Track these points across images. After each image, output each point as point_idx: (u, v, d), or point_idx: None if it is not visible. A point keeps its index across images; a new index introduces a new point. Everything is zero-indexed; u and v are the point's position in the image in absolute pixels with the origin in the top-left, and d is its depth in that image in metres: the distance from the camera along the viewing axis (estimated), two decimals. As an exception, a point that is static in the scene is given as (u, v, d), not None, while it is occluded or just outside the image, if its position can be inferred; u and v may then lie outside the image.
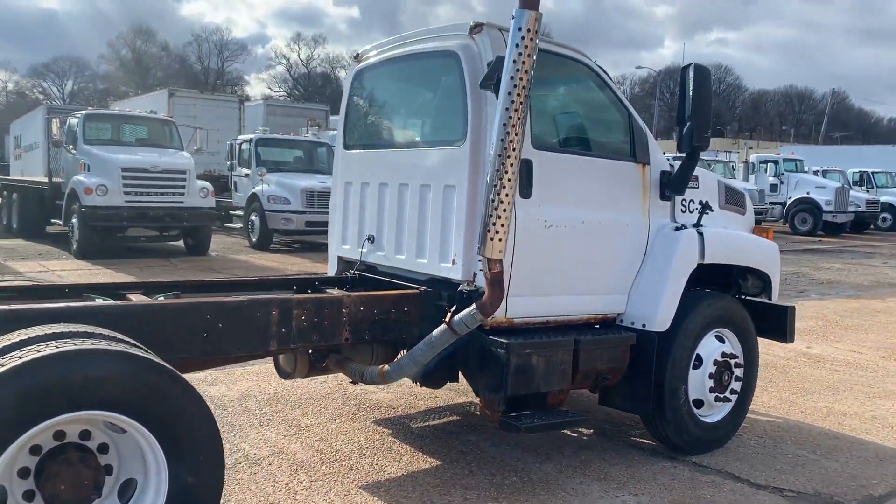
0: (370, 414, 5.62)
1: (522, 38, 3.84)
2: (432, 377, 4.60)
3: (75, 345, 2.83)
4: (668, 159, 5.12)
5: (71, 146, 15.09)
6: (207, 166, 21.24)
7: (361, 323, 4.30)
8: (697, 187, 5.12)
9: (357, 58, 5.41)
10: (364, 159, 5.27)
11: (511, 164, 3.90)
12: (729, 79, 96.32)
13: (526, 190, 4.23)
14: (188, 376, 3.21)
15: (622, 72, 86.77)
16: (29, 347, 2.78)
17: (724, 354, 5.00)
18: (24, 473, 2.83)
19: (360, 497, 4.18)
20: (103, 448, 2.97)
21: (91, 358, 2.79)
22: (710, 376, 4.94)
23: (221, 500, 3.23)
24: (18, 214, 18.23)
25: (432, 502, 4.13)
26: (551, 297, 4.46)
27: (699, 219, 4.98)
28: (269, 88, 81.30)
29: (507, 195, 3.92)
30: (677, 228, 4.85)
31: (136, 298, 4.15)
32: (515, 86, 3.86)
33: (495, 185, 3.90)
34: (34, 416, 2.70)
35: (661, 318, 4.66)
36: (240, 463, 4.59)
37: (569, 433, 5.40)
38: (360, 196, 5.22)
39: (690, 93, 4.39)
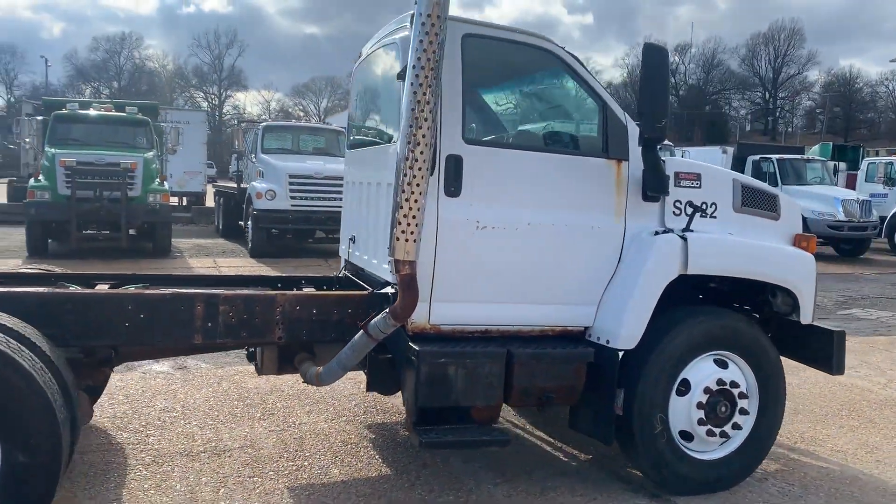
0: (373, 418, 5.55)
1: (423, 24, 3.62)
2: (376, 383, 4.44)
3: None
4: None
5: (252, 155, 16.54)
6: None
7: (297, 322, 4.26)
8: (698, 186, 4.44)
9: (358, 56, 5.39)
10: (353, 158, 5.25)
11: (420, 160, 3.68)
12: None
13: (453, 188, 3.95)
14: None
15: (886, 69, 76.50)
16: None
17: (720, 382, 4.28)
18: None
19: (277, 497, 4.14)
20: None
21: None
22: (700, 406, 4.25)
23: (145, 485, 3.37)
24: (222, 217, 20.32)
25: (342, 511, 4.00)
26: (490, 304, 4.11)
27: (689, 222, 4.32)
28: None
29: (415, 193, 3.70)
30: (657, 233, 4.25)
31: (98, 288, 4.47)
32: (417, 76, 3.65)
33: (401, 183, 3.70)
34: None
35: (625, 334, 4.11)
36: (203, 452, 4.76)
37: (560, 456, 4.94)
38: (348, 195, 5.20)
39: (641, 78, 3.83)
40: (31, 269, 5.29)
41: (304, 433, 5.15)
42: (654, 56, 3.82)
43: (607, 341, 4.15)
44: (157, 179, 15.08)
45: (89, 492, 4.11)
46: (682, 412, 4.25)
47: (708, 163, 4.94)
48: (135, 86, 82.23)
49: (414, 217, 3.76)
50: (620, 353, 4.11)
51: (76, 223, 13.60)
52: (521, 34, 4.20)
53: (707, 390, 4.26)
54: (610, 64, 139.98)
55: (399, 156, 3.70)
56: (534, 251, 4.12)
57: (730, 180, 4.58)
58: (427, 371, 3.85)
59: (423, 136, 3.69)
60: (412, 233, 3.76)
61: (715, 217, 4.47)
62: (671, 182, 4.35)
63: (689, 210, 4.39)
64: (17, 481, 3.15)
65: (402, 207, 3.73)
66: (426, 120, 3.67)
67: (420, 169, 3.73)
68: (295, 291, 4.51)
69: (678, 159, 4.58)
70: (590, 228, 4.21)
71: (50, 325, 3.81)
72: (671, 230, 4.27)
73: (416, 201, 3.74)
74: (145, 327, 4.01)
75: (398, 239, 3.76)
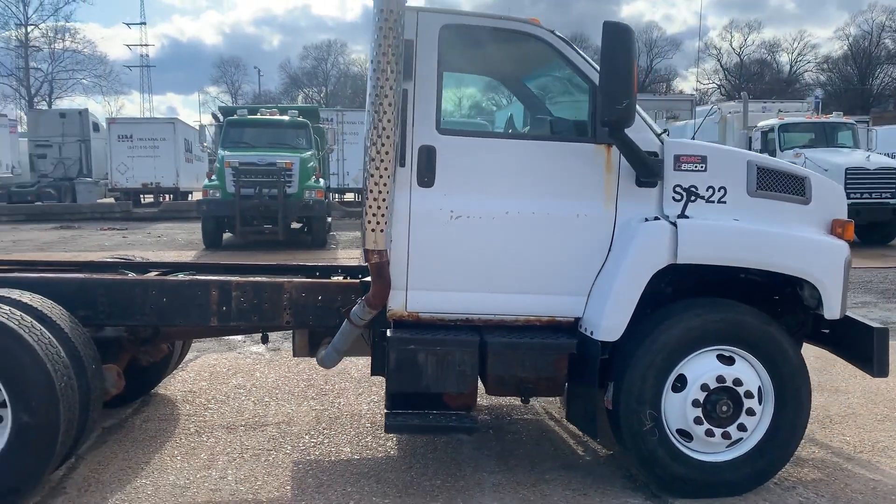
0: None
1: (377, 18, 3.75)
2: (378, 367, 4.59)
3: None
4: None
5: None
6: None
7: (304, 308, 4.54)
8: (704, 170, 4.13)
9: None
10: None
11: (383, 152, 3.83)
12: None
13: (427, 178, 4.02)
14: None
15: None
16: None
17: (720, 379, 3.98)
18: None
19: (280, 469, 4.45)
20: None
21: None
22: (696, 404, 3.98)
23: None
24: None
25: (325, 485, 4.22)
26: (470, 293, 4.12)
27: (683, 208, 4.05)
28: (699, 82, 78.53)
29: (378, 184, 3.86)
30: (647, 220, 4.03)
31: (133, 274, 5.00)
32: (377, 70, 3.79)
33: (367, 174, 3.87)
34: None
35: (606, 325, 3.95)
36: (243, 426, 5.20)
37: (578, 450, 4.83)
38: None
39: (601, 58, 3.65)
40: (111, 257, 6.04)
41: (342, 413, 5.44)
42: (613, 35, 3.63)
43: (591, 332, 4.01)
44: (314, 177, 16.18)
45: (128, 453, 4.67)
46: (678, 410, 4.00)
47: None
48: (341, 90, 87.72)
49: (379, 208, 3.89)
50: (602, 345, 3.96)
51: (240, 218, 14.98)
52: (505, 20, 4.16)
53: (705, 387, 3.98)
54: (828, 36, 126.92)
55: (365, 148, 3.85)
56: (514, 240, 4.08)
57: (743, 162, 4.21)
58: (396, 357, 3.97)
59: (384, 129, 3.81)
60: (378, 223, 3.90)
61: (724, 202, 4.14)
62: (670, 166, 4.10)
63: (704, 195, 4.11)
64: (23, 437, 3.70)
65: (368, 198, 3.89)
66: (387, 112, 3.79)
67: (383, 160, 3.85)
68: (303, 279, 4.78)
69: (681, 141, 4.25)
70: (576, 216, 4.08)
71: (85, 306, 4.40)
72: (662, 217, 4.04)
73: (380, 192, 3.88)
74: (167, 310, 4.49)
75: (367, 229, 3.92)
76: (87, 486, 4.18)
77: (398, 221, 4.01)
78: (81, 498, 4.04)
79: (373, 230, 3.92)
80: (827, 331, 4.65)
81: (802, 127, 18.51)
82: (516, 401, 5.66)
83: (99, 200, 29.61)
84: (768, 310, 4.46)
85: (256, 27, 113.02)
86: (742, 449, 4.09)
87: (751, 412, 4.02)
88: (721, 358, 4.04)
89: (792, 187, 4.26)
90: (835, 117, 19.03)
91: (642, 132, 4.10)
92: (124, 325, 4.62)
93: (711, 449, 4.07)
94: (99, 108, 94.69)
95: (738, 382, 3.99)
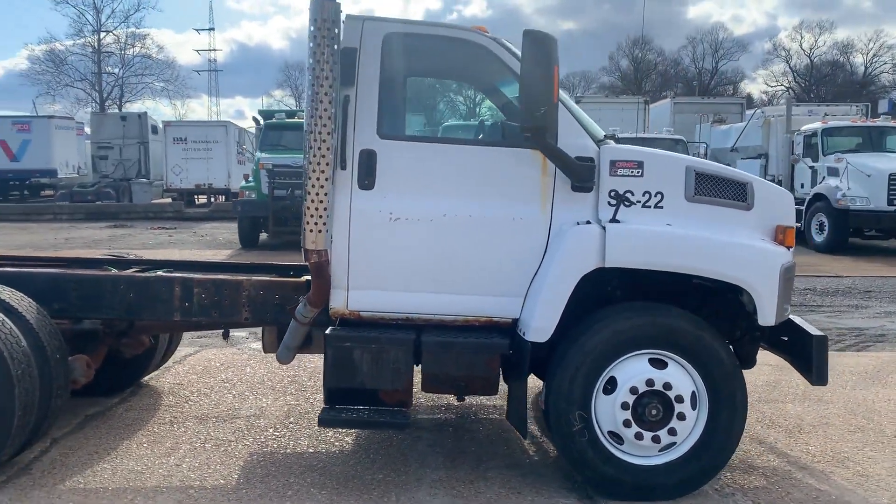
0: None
1: (311, 29, 3.92)
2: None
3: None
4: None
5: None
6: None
7: (262, 306, 4.73)
8: (640, 175, 4.16)
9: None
10: None
11: (318, 156, 4.01)
12: None
13: (367, 181, 4.17)
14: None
15: None
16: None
17: (650, 382, 4.00)
18: None
19: (234, 459, 4.65)
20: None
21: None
22: (624, 406, 4.02)
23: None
24: None
25: (271, 475, 4.40)
26: (409, 293, 4.24)
27: (614, 213, 4.09)
28: (766, 84, 76.28)
29: (315, 186, 4.04)
30: (578, 224, 4.09)
31: (114, 270, 5.27)
32: (311, 77, 3.96)
33: (306, 177, 4.05)
34: None
35: (536, 326, 4.02)
36: (215, 418, 5.43)
37: (531, 450, 4.89)
38: None
39: (521, 67, 3.73)
40: (104, 254, 6.36)
41: (314, 408, 5.62)
42: (532, 44, 3.70)
43: (524, 333, 4.09)
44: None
45: (100, 439, 4.94)
46: (608, 412, 4.04)
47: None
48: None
49: (317, 209, 4.07)
50: (533, 346, 4.04)
51: (273, 219, 15.39)
52: (447, 28, 4.29)
53: (633, 390, 4.01)
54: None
55: (305, 155, 4.03)
56: (451, 242, 4.19)
57: (682, 168, 4.22)
58: (333, 353, 4.12)
59: (320, 134, 3.98)
60: (316, 224, 4.08)
61: (661, 207, 4.16)
62: (606, 171, 4.15)
63: (640, 200, 4.15)
64: (-19, 420, 3.99)
65: (307, 200, 4.06)
66: (322, 118, 3.96)
67: (320, 164, 4.03)
68: (260, 277, 4.96)
69: (617, 147, 4.28)
70: (511, 220, 4.16)
71: (59, 300, 4.69)
72: (595, 221, 4.08)
73: (317, 194, 4.05)
74: (134, 304, 4.74)
75: (306, 229, 4.10)
76: (52, 468, 4.46)
77: (339, 222, 4.17)
78: (43, 478, 4.31)
79: (311, 231, 4.09)
80: (786, 338, 4.63)
81: (848, 131, 17.93)
82: (486, 401, 5.78)
83: (154, 201, 30.68)
84: (721, 317, 4.48)
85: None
86: (676, 453, 4.10)
87: (682, 417, 4.03)
88: (653, 362, 4.06)
89: (732, 193, 4.25)
90: (882, 121, 18.39)
91: (579, 138, 4.17)
92: (96, 318, 4.90)
93: (643, 452, 4.09)
94: (168, 111, 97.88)
95: (668, 386, 4.01)
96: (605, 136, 4.49)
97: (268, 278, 4.87)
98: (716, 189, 4.22)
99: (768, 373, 6.83)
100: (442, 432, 5.20)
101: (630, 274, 4.16)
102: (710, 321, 4.46)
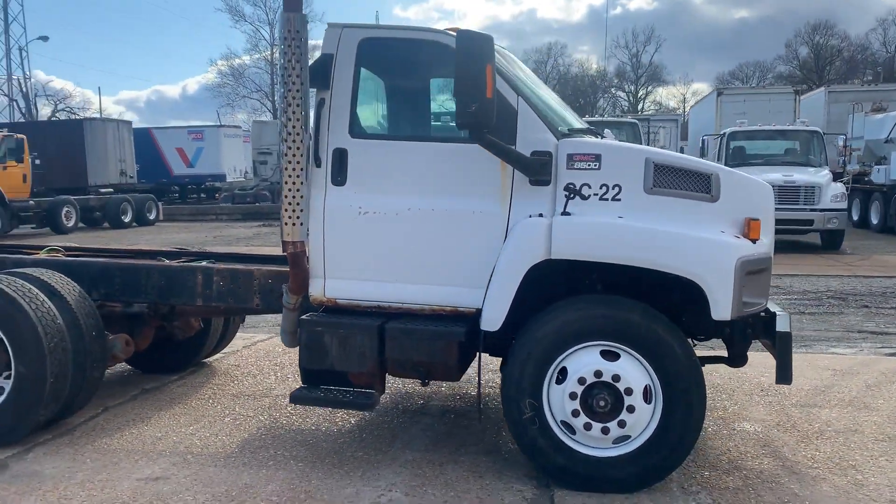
0: (397, 384, 6.15)
1: (284, 38, 4.31)
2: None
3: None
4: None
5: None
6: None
7: (271, 293, 5.18)
8: (597, 168, 4.16)
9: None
10: None
11: (290, 154, 4.40)
12: None
13: (339, 178, 4.48)
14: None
15: None
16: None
17: (598, 374, 4.01)
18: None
19: (222, 426, 5.13)
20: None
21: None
22: (573, 396, 4.05)
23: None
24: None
25: (264, 447, 4.82)
26: (379, 283, 4.49)
27: (565, 206, 4.11)
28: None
29: (288, 182, 4.44)
30: (531, 217, 4.16)
31: (160, 261, 5.91)
32: (283, 82, 4.35)
33: (282, 174, 4.46)
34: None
35: (487, 316, 4.15)
36: (236, 395, 5.97)
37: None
38: None
39: (455, 65, 3.86)
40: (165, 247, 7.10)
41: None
42: (465, 42, 3.81)
43: (480, 323, 4.23)
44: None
45: (142, 409, 5.61)
46: (559, 402, 4.10)
47: None
48: (561, 91, 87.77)
49: (290, 203, 4.44)
50: (485, 334, 4.18)
51: None
52: (417, 31, 4.51)
53: (582, 381, 4.03)
54: None
55: (281, 155, 4.41)
56: (415, 235, 4.39)
57: (641, 159, 4.15)
58: (306, 337, 4.47)
59: (290, 134, 4.36)
60: (290, 217, 4.45)
61: (619, 200, 4.13)
62: (563, 165, 4.20)
63: (596, 193, 4.18)
64: (19, 385, 4.71)
65: (284, 195, 4.45)
66: (291, 119, 4.33)
67: (293, 160, 4.40)
68: (271, 267, 5.38)
69: (576, 140, 4.24)
70: (471, 213, 4.31)
71: (105, 285, 5.40)
72: (546, 215, 4.14)
73: (290, 190, 4.43)
74: (164, 290, 5.36)
75: (283, 222, 4.49)
76: (92, 431, 5.15)
77: (315, 216, 4.51)
78: (80, 439, 5.00)
79: (286, 224, 4.47)
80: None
81: None
82: (495, 390, 5.91)
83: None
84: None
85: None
86: (629, 447, 4.08)
87: (631, 409, 4.01)
88: (605, 354, 4.07)
89: (694, 184, 4.13)
90: None
91: (537, 132, 4.24)
92: (137, 302, 5.56)
93: (595, 444, 4.10)
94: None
95: (616, 378, 4.01)
96: (577, 129, 4.53)
97: (276, 268, 5.30)
98: (676, 181, 4.14)
99: (826, 378, 6.44)
100: (443, 418, 5.41)
101: (603, 269, 4.18)
102: (689, 318, 4.41)
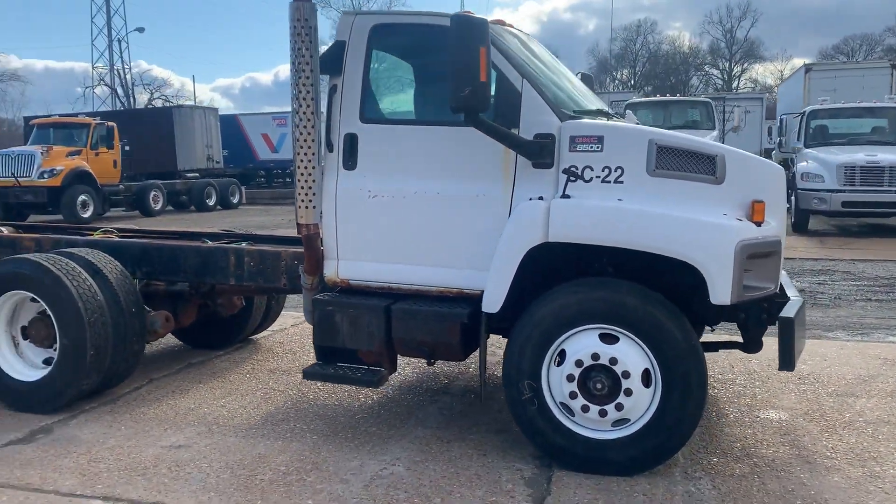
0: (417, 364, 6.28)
1: (294, 27, 4.46)
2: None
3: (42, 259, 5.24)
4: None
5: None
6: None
7: (297, 274, 5.39)
8: (600, 150, 4.13)
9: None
10: None
11: (302, 140, 4.57)
12: None
13: (350, 162, 4.61)
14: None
15: None
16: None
17: (595, 356, 4.01)
18: None
19: (250, 399, 5.37)
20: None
21: (19, 263, 5.19)
22: (570, 378, 4.07)
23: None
24: None
25: (287, 419, 5.04)
26: (390, 264, 4.61)
27: (564, 188, 4.10)
28: None
29: (300, 167, 4.61)
30: (531, 200, 4.17)
31: (203, 242, 6.20)
32: (294, 69, 4.51)
33: (295, 158, 4.63)
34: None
35: (487, 297, 4.20)
36: (268, 371, 6.22)
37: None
38: None
39: (448, 50, 3.89)
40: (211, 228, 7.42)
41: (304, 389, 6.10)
42: (458, 26, 3.83)
43: (482, 305, 4.29)
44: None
45: (184, 382, 5.94)
46: (558, 383, 4.13)
47: None
48: (651, 70, 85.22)
49: (303, 187, 4.61)
50: (488, 316, 4.24)
51: None
52: (426, 16, 4.56)
53: (579, 363, 4.04)
54: None
55: (294, 140, 4.58)
56: (421, 218, 4.48)
57: (644, 141, 4.08)
58: (318, 316, 4.65)
59: (302, 119, 4.51)
60: (304, 201, 4.62)
61: (621, 182, 4.09)
62: (566, 147, 4.19)
63: (599, 175, 4.16)
64: (63, 355, 5.08)
65: (297, 179, 4.62)
66: (302, 105, 4.48)
67: (305, 145, 4.56)
68: (296, 248, 5.56)
69: (580, 122, 4.19)
70: (475, 196, 4.36)
71: (147, 265, 5.74)
72: (546, 198, 4.15)
73: (303, 173, 4.59)
74: (199, 270, 5.65)
75: (298, 206, 4.66)
76: (134, 401, 5.50)
77: (328, 200, 4.66)
78: (120, 407, 5.35)
79: (300, 207, 4.64)
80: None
81: None
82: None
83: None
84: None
85: (573, 13, 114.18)
86: (628, 430, 4.07)
87: (629, 392, 3.99)
88: (604, 337, 4.06)
89: (698, 166, 4.05)
90: None
91: (541, 115, 4.23)
92: (177, 280, 5.88)
93: (594, 426, 4.11)
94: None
95: (613, 361, 3.99)
96: (587, 110, 4.51)
97: (301, 249, 5.48)
98: (680, 162, 4.06)
99: (874, 367, 6.18)
100: (462, 398, 5.50)
101: (607, 253, 4.17)
102: (697, 303, 4.34)
